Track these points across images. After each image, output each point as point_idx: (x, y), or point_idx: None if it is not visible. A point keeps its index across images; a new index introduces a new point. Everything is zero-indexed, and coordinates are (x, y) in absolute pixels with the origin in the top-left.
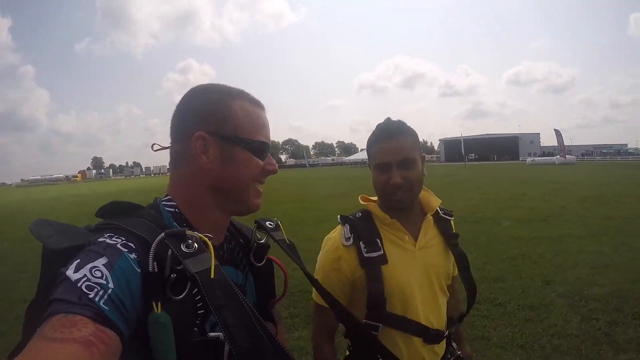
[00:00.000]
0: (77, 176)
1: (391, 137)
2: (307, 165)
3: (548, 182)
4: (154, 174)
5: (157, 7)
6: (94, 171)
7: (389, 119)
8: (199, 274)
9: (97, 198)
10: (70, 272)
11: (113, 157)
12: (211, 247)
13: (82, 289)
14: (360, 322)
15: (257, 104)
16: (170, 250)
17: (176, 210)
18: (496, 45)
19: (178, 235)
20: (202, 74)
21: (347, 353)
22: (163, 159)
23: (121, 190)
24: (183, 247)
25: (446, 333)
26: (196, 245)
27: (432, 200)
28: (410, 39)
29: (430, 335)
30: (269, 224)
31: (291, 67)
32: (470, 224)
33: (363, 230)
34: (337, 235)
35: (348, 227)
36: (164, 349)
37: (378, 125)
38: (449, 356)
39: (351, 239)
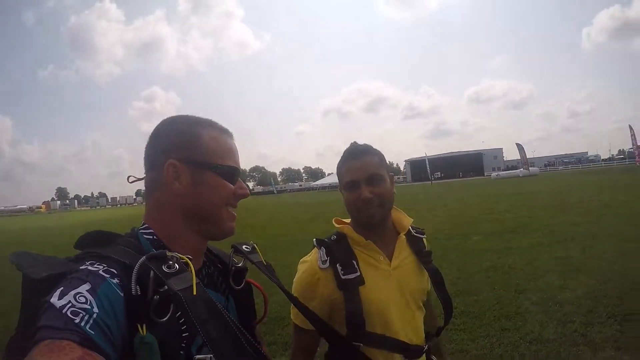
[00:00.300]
0: (41, 207)
1: (357, 156)
2: (275, 192)
3: (514, 195)
4: (121, 205)
5: (121, 34)
6: (59, 202)
7: (355, 142)
8: (182, 292)
9: (63, 231)
10: (54, 300)
11: (78, 187)
12: (192, 266)
13: (67, 315)
14: (342, 335)
15: (226, 131)
16: (152, 273)
17: (154, 237)
18: (456, 66)
19: (159, 257)
20: (167, 102)
21: None
22: (129, 190)
23: (88, 221)
24: (164, 268)
25: (425, 347)
26: (177, 266)
27: (404, 219)
28: (372, 63)
29: (410, 351)
30: (246, 247)
31: (257, 94)
32: (441, 240)
33: (339, 252)
34: (313, 258)
35: (324, 250)
36: None
37: (345, 150)
38: None
39: (327, 261)
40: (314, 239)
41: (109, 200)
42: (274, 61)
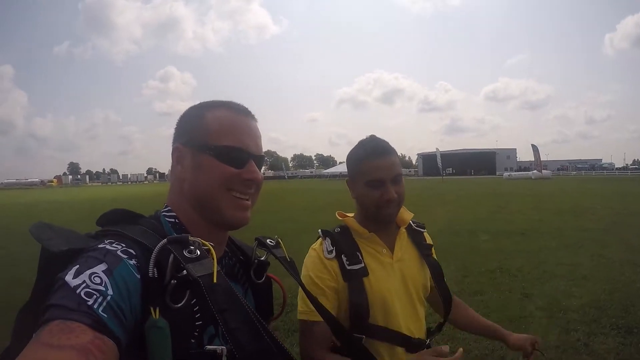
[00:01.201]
0: (53, 181)
1: (384, 154)
2: (286, 177)
3: (525, 196)
4: (131, 182)
5: (139, 13)
6: (70, 177)
7: (374, 136)
8: (202, 278)
9: (74, 206)
10: (69, 278)
11: (89, 163)
12: (214, 253)
13: (80, 296)
14: (345, 327)
15: (239, 111)
16: (172, 256)
17: (176, 220)
18: (474, 63)
19: (181, 241)
20: (182, 83)
21: None
22: (140, 168)
23: (99, 197)
24: (186, 253)
25: (427, 342)
26: (198, 252)
27: (405, 214)
28: (389, 54)
29: (412, 345)
30: (270, 241)
31: (272, 79)
32: (448, 236)
33: (344, 243)
34: (318, 248)
35: (329, 240)
36: (161, 355)
37: (366, 143)
38: None
39: (333, 251)
40: (319, 230)
41: (120, 177)
42: (292, 46)
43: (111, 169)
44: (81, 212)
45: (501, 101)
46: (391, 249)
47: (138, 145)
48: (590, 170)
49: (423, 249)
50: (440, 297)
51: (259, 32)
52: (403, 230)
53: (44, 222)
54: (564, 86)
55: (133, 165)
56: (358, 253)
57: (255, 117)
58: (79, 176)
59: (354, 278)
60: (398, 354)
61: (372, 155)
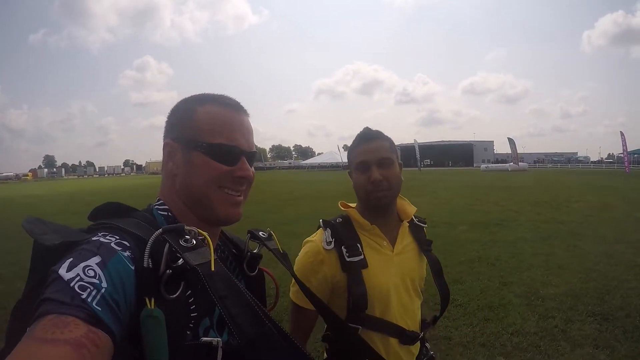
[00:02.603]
0: (27, 175)
1: (370, 139)
2: (265, 168)
3: (502, 188)
4: (108, 175)
5: (116, 1)
6: (46, 170)
7: (367, 128)
8: (200, 267)
9: (51, 199)
10: (62, 271)
11: (65, 155)
12: (210, 241)
13: (74, 289)
14: (341, 318)
15: (230, 106)
16: (167, 246)
17: (169, 214)
18: (453, 56)
19: (176, 230)
20: (159, 72)
21: (325, 356)
22: (117, 160)
23: (76, 190)
24: (182, 242)
25: (421, 335)
26: (194, 241)
27: (408, 208)
28: (369, 46)
29: (406, 337)
30: (262, 233)
31: (250, 69)
32: (427, 227)
33: (344, 235)
34: (318, 239)
35: (329, 231)
36: (157, 345)
37: (359, 133)
38: (422, 357)
39: (332, 243)
40: (320, 220)
41: (97, 170)
42: (271, 37)
43: (87, 162)
44: (58, 205)
45: (479, 94)
46: (392, 241)
47: (114, 137)
48: (566, 163)
49: (423, 244)
50: (439, 292)
51: (238, 21)
52: (405, 224)
53: (36, 217)
54: (542, 81)
55: (109, 157)
56: (358, 245)
57: (247, 111)
58: (54, 169)
59: (353, 270)
60: (392, 344)
61: (360, 142)
